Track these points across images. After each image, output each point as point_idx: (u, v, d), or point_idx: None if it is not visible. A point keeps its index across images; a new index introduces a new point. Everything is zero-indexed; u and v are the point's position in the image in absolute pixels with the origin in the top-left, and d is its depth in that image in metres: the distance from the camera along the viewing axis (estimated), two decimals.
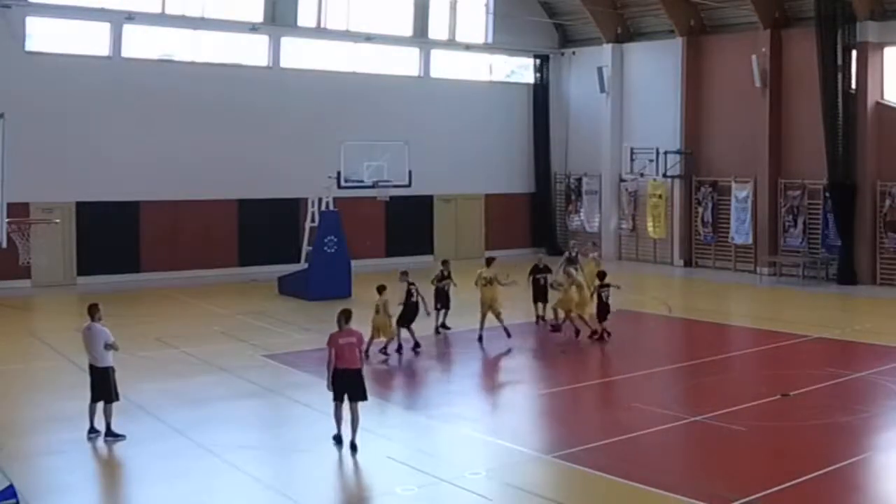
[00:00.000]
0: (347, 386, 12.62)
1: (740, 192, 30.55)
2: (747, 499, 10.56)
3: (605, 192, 34.92)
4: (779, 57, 29.52)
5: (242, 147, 29.73)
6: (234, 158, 29.55)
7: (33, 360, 18.21)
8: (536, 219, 36.52)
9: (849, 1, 26.91)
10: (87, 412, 13.16)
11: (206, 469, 12.04)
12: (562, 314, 20.29)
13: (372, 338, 17.75)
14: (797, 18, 29.36)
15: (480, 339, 19.85)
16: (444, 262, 21.22)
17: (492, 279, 19.97)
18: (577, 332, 19.93)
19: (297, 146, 30.43)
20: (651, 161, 31.72)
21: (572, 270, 20.61)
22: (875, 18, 27.15)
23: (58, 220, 24.15)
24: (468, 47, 35.14)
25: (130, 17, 28.29)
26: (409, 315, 18.91)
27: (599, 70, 34.41)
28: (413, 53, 34.15)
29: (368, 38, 32.56)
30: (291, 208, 30.12)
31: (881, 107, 27.43)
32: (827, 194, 28.17)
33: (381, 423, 13.72)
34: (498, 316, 19.91)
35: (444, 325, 20.73)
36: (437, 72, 34.52)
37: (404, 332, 18.79)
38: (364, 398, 12.71)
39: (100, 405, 13.12)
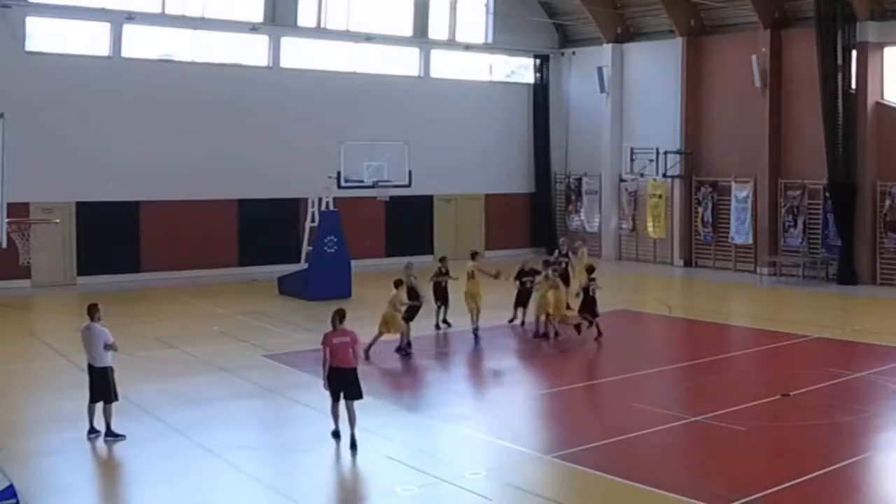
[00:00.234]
0: (342, 384, 12.75)
1: (740, 192, 30.55)
2: (747, 499, 10.56)
3: (605, 192, 34.93)
4: (779, 57, 29.52)
5: (242, 147, 29.74)
6: (234, 158, 29.55)
7: (33, 360, 18.20)
8: (536, 219, 36.52)
9: (849, 1, 26.92)
10: (86, 412, 13.16)
11: (206, 469, 12.04)
12: (543, 318, 20.23)
13: (380, 334, 17.86)
14: (797, 18, 29.36)
15: (476, 335, 20.03)
16: (442, 259, 21.52)
17: (473, 271, 20.23)
18: (557, 333, 19.88)
19: (297, 146, 30.44)
20: (651, 161, 31.72)
21: (550, 273, 20.67)
22: (875, 18, 27.15)
23: (58, 220, 24.17)
24: (468, 47, 35.14)
25: (130, 17, 28.29)
26: (411, 312, 18.98)
27: (599, 70, 34.42)
28: (413, 53, 34.16)
29: (368, 38, 32.57)
30: (291, 208, 30.13)
31: (881, 107, 27.42)
32: (827, 194, 28.17)
33: (381, 423, 13.71)
34: (476, 312, 20.06)
35: (444, 321, 20.80)
36: (437, 72, 34.53)
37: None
38: (359, 396, 12.80)
39: (99, 405, 13.11)
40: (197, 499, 11.16)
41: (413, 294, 19.20)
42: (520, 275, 21.19)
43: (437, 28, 34.35)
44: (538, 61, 36.55)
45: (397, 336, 18.43)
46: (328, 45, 32.24)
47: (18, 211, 20.56)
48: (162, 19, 29.06)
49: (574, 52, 36.41)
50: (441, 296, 20.74)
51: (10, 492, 9.27)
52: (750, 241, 30.39)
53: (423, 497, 11.03)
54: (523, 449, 12.73)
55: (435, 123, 33.31)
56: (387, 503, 11.06)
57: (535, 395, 16.49)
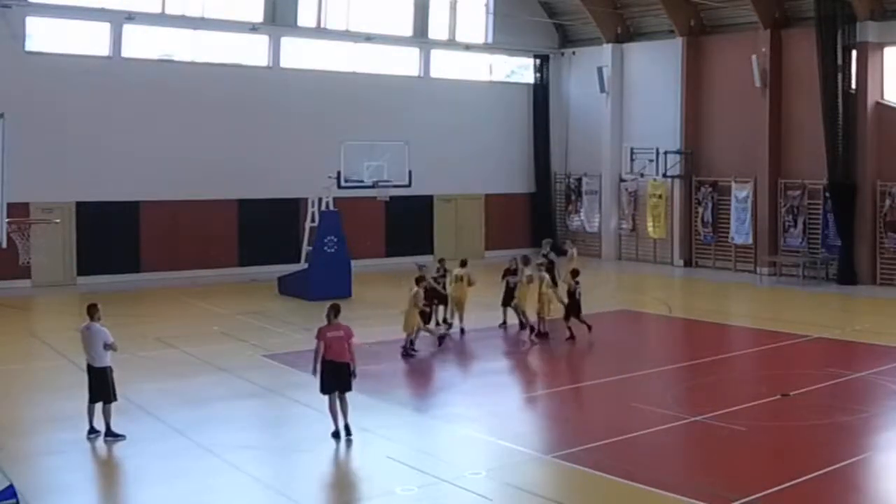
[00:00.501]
0: (337, 377, 12.98)
1: (740, 192, 30.54)
2: (747, 499, 10.56)
3: (605, 192, 34.93)
4: (779, 57, 29.53)
5: (242, 147, 29.74)
6: (234, 158, 29.54)
7: (33, 360, 18.22)
8: (536, 219, 36.47)
9: (849, 1, 26.92)
10: (86, 412, 13.15)
11: (206, 469, 12.04)
12: (533, 316, 20.20)
13: (416, 329, 18.31)
14: (797, 18, 29.37)
15: (462, 332, 20.48)
16: (441, 261, 21.77)
17: (462, 277, 20.53)
18: (533, 329, 20.01)
19: (297, 146, 30.44)
20: (651, 161, 31.72)
21: (528, 270, 20.71)
22: (875, 18, 27.15)
23: (58, 220, 24.19)
24: (468, 47, 35.14)
25: (130, 17, 28.29)
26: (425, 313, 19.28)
27: (599, 70, 34.42)
28: (413, 53, 34.15)
29: (368, 38, 32.57)
30: (291, 208, 30.12)
31: (881, 107, 27.43)
32: (827, 194, 28.17)
33: (381, 423, 13.73)
34: (460, 315, 20.53)
35: (445, 321, 20.84)
36: (437, 72, 34.52)
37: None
38: (348, 388, 13.06)
39: (99, 405, 13.11)
40: (197, 499, 11.16)
41: (435, 293, 19.94)
42: (506, 274, 21.30)
43: (437, 28, 34.34)
44: (538, 61, 36.55)
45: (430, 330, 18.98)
46: (328, 45, 32.24)
47: (18, 211, 20.56)
48: (162, 19, 29.06)
49: (574, 52, 36.41)
50: (439, 296, 20.85)
51: (10, 492, 9.27)
52: (750, 241, 30.38)
53: (423, 497, 11.02)
54: (523, 449, 12.73)
55: (435, 123, 33.30)
56: (387, 503, 11.06)
57: (534, 395, 16.49)
